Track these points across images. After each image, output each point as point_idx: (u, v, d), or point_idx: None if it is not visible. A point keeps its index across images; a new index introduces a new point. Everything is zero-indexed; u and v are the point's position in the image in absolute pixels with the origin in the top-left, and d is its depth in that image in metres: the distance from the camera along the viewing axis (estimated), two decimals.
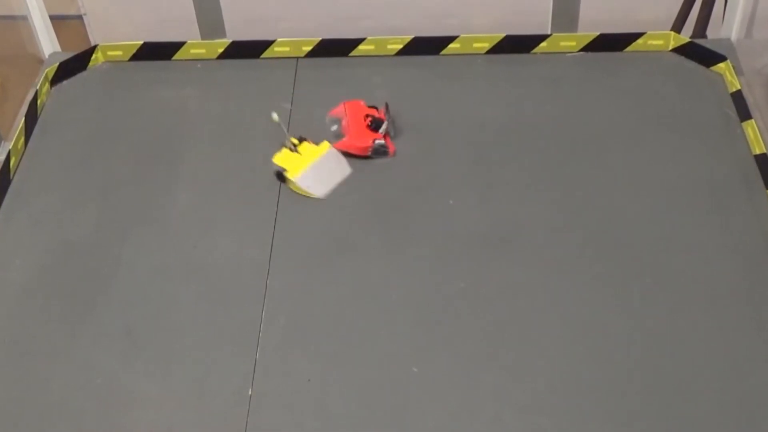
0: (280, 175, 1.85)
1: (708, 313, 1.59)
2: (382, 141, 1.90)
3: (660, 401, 1.46)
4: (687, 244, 1.71)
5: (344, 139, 1.91)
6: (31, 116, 2.05)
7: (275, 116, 1.89)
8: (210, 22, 2.19)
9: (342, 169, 1.89)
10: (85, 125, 2.05)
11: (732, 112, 1.98)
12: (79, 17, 2.59)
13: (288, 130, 1.91)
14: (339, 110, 1.97)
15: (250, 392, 1.51)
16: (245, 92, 2.11)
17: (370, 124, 1.91)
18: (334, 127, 1.94)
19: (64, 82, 2.16)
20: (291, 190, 1.85)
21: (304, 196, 1.83)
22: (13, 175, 1.93)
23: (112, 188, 1.89)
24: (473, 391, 1.50)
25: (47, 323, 1.64)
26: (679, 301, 1.61)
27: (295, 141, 1.89)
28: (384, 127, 1.90)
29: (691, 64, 2.11)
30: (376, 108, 1.95)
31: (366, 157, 1.90)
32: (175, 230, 1.80)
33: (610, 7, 2.36)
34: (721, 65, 2.08)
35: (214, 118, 2.05)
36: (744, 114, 1.95)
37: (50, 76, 2.15)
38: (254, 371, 1.54)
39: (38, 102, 2.09)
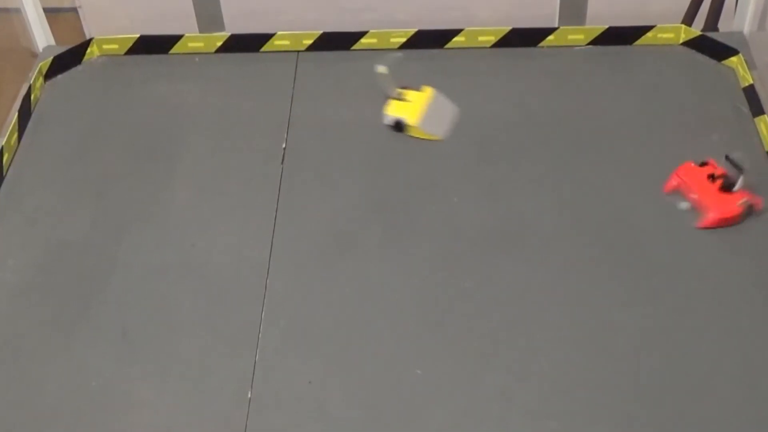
0: (399, 125, 1.89)
1: (719, 314, 1.58)
2: (747, 200, 1.72)
3: (670, 404, 1.46)
4: (696, 242, 1.71)
5: (708, 215, 1.72)
6: (25, 111, 2.05)
7: (382, 68, 1.88)
8: (208, 15, 2.19)
9: (451, 108, 1.92)
10: (80, 121, 2.05)
11: (744, 107, 1.98)
12: (74, 10, 2.58)
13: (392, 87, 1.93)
14: (673, 183, 1.79)
15: (249, 395, 1.51)
16: (244, 87, 2.11)
17: (722, 186, 1.74)
18: (683, 206, 1.77)
19: (59, 77, 2.16)
20: (411, 136, 1.89)
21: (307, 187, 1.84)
22: (6, 172, 1.93)
23: (108, 186, 1.89)
24: (478, 393, 1.49)
25: (41, 324, 1.64)
26: (689, 302, 1.61)
27: (401, 90, 1.92)
28: (740, 183, 1.72)
29: (703, 58, 2.11)
30: (706, 163, 1.79)
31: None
32: (172, 229, 1.79)
33: (618, 0, 2.35)
34: (733, 59, 2.08)
35: (213, 114, 2.05)
36: (756, 109, 1.95)
37: (44, 71, 2.14)
38: (254, 373, 1.54)
39: (32, 97, 2.08)
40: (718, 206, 1.71)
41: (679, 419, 1.43)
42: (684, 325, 1.57)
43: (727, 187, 1.73)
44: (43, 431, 1.48)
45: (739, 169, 1.72)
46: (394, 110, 1.92)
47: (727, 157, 1.76)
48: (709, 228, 1.72)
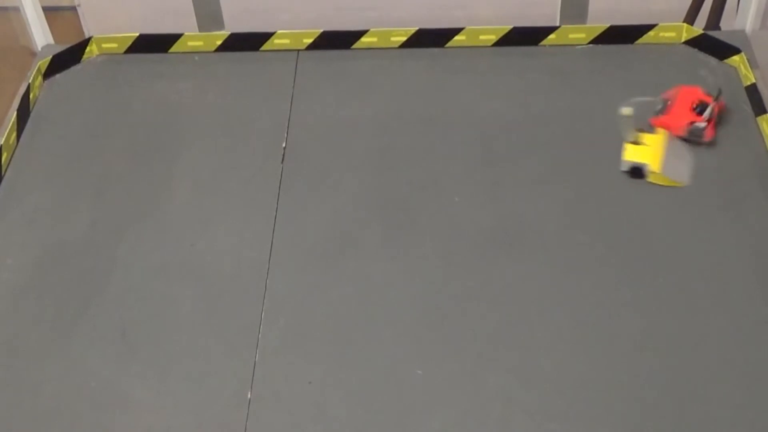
0: (639, 171, 1.81)
1: (722, 313, 1.58)
2: (702, 125, 1.85)
3: (673, 404, 1.45)
4: (700, 241, 1.70)
5: (663, 116, 1.90)
6: (24, 110, 2.04)
7: (627, 110, 1.83)
8: (208, 13, 2.17)
9: (687, 151, 1.87)
10: (79, 120, 2.04)
11: (747, 106, 1.97)
12: (73, 8, 2.58)
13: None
14: (672, 92, 1.94)
15: (249, 395, 1.50)
16: (244, 86, 2.10)
17: (695, 107, 1.87)
18: (659, 107, 1.91)
19: (58, 76, 2.15)
20: (652, 182, 1.81)
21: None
22: (5, 172, 1.92)
23: (107, 185, 1.88)
24: (479, 394, 1.49)
25: (40, 324, 1.63)
26: (692, 301, 1.60)
27: (633, 135, 1.84)
28: (708, 111, 1.85)
29: (705, 57, 2.10)
30: (713, 96, 1.90)
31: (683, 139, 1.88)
32: (172, 228, 1.79)
33: None
34: (735, 58, 2.07)
35: (213, 113, 2.04)
36: (759, 108, 1.94)
37: (43, 69, 2.14)
38: (253, 374, 1.53)
39: (30, 96, 2.08)
40: (676, 115, 1.88)
41: (684, 421, 1.43)
42: (688, 325, 1.57)
43: (699, 111, 1.85)
44: None
45: (715, 102, 1.85)
46: (632, 155, 1.82)
47: (719, 90, 1.88)
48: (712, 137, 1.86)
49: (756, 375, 1.49)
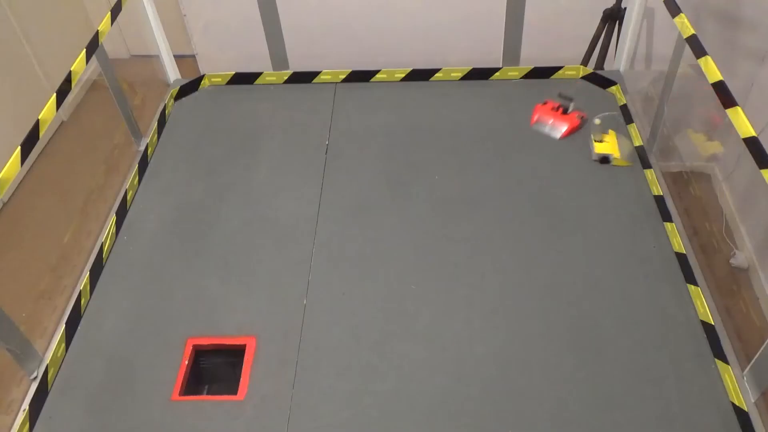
0: (606, 159, 1.72)
1: (606, 251, 1.52)
2: (580, 115, 1.82)
3: (575, 309, 1.40)
4: (591, 203, 1.64)
5: (565, 128, 1.80)
6: (161, 121, 1.98)
7: (598, 120, 1.79)
8: (279, 58, 2.10)
9: (628, 142, 1.79)
10: (196, 127, 1.97)
11: (620, 118, 1.89)
12: (193, 56, 2.55)
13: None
14: (535, 118, 1.85)
15: (304, 302, 1.45)
16: (302, 105, 2.02)
17: (563, 111, 1.82)
18: (546, 129, 1.81)
19: (183, 99, 2.08)
20: (613, 165, 1.73)
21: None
22: (150, 159, 1.86)
23: (214, 168, 1.81)
24: (452, 300, 1.44)
25: (172, 255, 1.58)
26: (584, 241, 1.55)
27: (599, 137, 1.77)
28: (571, 106, 1.81)
29: (594, 87, 2.02)
30: (549, 100, 1.86)
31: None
32: (255, 195, 1.72)
33: (541, 49, 2.28)
34: (613, 87, 2.00)
35: (281, 122, 1.96)
36: (628, 119, 1.88)
37: (174, 95, 2.07)
38: (308, 288, 1.48)
39: (166, 112, 2.01)
40: (567, 122, 1.81)
41: (579, 310, 1.39)
42: (581, 262, 1.51)
43: (565, 111, 1.83)
44: (172, 325, 1.43)
45: (569, 99, 1.82)
46: (600, 149, 1.74)
47: (559, 94, 1.85)
48: (567, 136, 1.80)
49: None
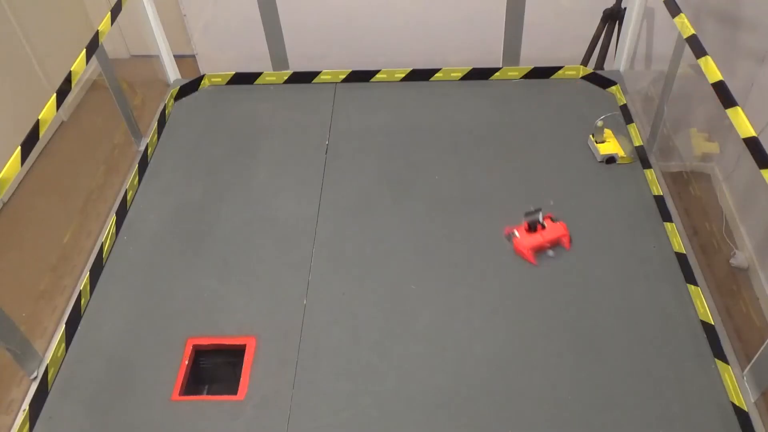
0: (612, 159, 1.72)
1: (606, 251, 1.51)
2: (552, 216, 1.56)
3: (574, 298, 1.40)
4: (591, 203, 1.63)
5: (566, 238, 1.52)
6: (162, 121, 1.98)
7: (600, 122, 1.74)
8: (279, 58, 2.10)
9: (628, 140, 1.78)
10: (196, 127, 1.97)
11: (621, 118, 1.89)
12: (193, 56, 2.55)
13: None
14: (533, 255, 1.50)
15: (304, 302, 1.45)
16: (302, 105, 2.02)
17: (542, 226, 1.52)
18: (550, 254, 1.51)
19: (183, 99, 2.08)
20: (619, 164, 1.72)
21: (349, 172, 1.77)
22: (150, 159, 1.85)
23: (214, 167, 1.81)
24: (451, 300, 1.44)
25: (172, 255, 1.58)
26: (584, 241, 1.54)
27: (601, 138, 1.76)
28: (540, 215, 1.52)
29: (594, 87, 2.02)
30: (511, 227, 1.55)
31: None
32: (255, 195, 1.72)
33: (541, 49, 2.28)
34: (613, 87, 1.99)
35: (281, 122, 1.96)
36: (628, 119, 1.87)
37: (174, 95, 2.07)
38: (307, 288, 1.48)
39: (166, 111, 2.01)
40: (560, 231, 1.52)
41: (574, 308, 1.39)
42: (583, 255, 1.51)
43: (541, 224, 1.52)
44: (172, 325, 1.43)
45: (535, 212, 1.53)
46: (605, 150, 1.72)
47: (526, 214, 1.54)
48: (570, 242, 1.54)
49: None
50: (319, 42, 2.50)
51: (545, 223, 1.53)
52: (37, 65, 2.88)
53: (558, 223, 1.53)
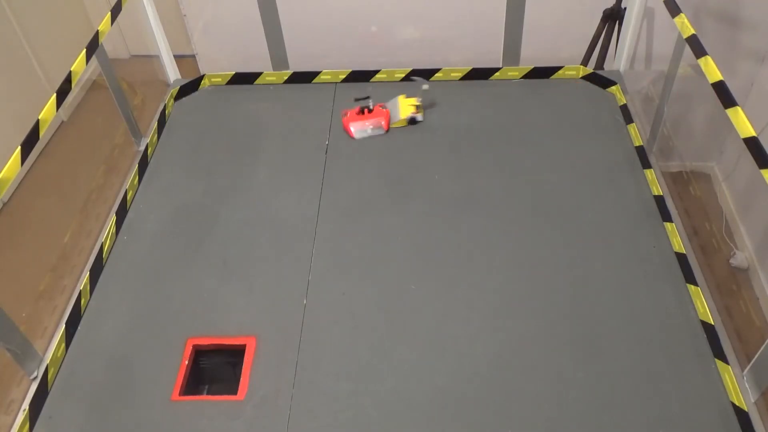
0: (414, 120, 1.87)
1: (606, 252, 1.52)
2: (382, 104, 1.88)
3: (576, 299, 1.40)
4: (591, 204, 1.63)
5: (384, 122, 1.87)
6: (161, 121, 1.98)
7: (426, 86, 1.88)
8: (279, 58, 2.10)
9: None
10: (196, 126, 1.96)
11: (620, 118, 1.89)
12: (193, 56, 2.55)
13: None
14: (353, 130, 1.87)
15: (304, 302, 1.45)
16: (301, 105, 2.02)
17: (369, 110, 1.88)
18: (368, 132, 1.86)
19: (183, 99, 2.08)
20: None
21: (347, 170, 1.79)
22: (150, 159, 1.85)
23: (214, 167, 1.81)
24: (451, 301, 1.44)
25: (172, 255, 1.58)
26: (584, 242, 1.54)
27: (413, 101, 1.90)
28: (371, 102, 1.88)
29: (594, 87, 2.02)
30: (347, 110, 1.91)
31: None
32: (255, 195, 1.72)
33: (541, 49, 2.28)
34: (613, 87, 1.99)
35: (281, 122, 1.96)
36: (628, 119, 1.87)
37: (174, 94, 2.06)
38: (308, 288, 1.48)
39: (166, 112, 2.01)
40: (381, 117, 1.86)
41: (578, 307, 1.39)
42: (579, 256, 1.51)
43: (369, 109, 1.87)
44: (172, 325, 1.43)
45: (365, 98, 1.87)
46: (407, 112, 1.88)
47: (355, 99, 1.89)
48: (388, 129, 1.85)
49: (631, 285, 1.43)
50: (319, 42, 2.50)
51: (373, 109, 1.87)
52: (37, 65, 2.88)
53: (384, 110, 1.87)
